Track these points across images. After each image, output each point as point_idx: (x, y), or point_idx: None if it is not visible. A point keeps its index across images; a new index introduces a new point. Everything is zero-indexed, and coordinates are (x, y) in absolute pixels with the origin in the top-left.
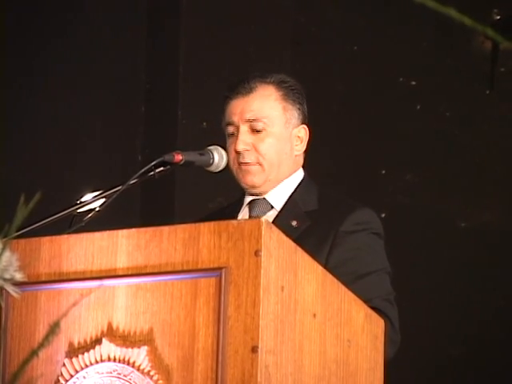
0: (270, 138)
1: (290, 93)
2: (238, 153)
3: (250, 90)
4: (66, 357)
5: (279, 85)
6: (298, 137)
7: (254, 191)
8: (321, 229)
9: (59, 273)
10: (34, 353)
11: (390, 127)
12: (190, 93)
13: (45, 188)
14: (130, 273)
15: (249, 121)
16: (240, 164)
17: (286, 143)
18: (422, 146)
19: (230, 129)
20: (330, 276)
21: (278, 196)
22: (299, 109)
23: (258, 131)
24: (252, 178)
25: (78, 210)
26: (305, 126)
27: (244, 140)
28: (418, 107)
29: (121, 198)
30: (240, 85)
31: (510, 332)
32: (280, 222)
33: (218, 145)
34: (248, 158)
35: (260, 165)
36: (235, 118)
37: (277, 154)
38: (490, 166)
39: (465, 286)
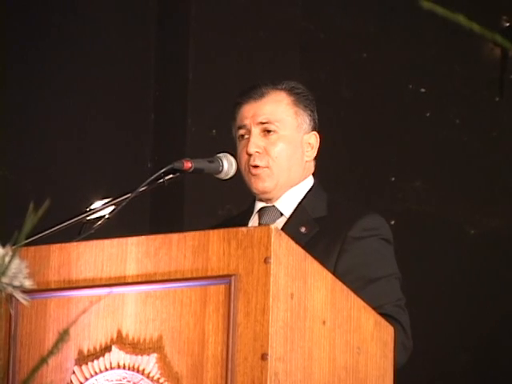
0: (282, 142)
1: (302, 99)
2: (249, 155)
3: (261, 95)
4: (76, 364)
5: (291, 91)
6: (309, 143)
7: (265, 196)
8: (329, 234)
9: (69, 280)
10: (43, 360)
11: (399, 134)
12: (200, 100)
13: (54, 195)
14: (139, 280)
15: (261, 123)
16: (250, 168)
17: (297, 148)
18: (432, 153)
19: (242, 132)
20: (339, 283)
21: (288, 203)
22: (310, 115)
23: (269, 132)
24: (262, 183)
25: (88, 218)
26: (315, 133)
27: (256, 142)
28: (428, 114)
29: (130, 206)
30: (252, 90)
31: None
32: (289, 228)
33: (227, 152)
34: (259, 160)
35: (269, 168)
36: (247, 122)
37: (288, 157)
38: (499, 173)
39: (474, 292)
